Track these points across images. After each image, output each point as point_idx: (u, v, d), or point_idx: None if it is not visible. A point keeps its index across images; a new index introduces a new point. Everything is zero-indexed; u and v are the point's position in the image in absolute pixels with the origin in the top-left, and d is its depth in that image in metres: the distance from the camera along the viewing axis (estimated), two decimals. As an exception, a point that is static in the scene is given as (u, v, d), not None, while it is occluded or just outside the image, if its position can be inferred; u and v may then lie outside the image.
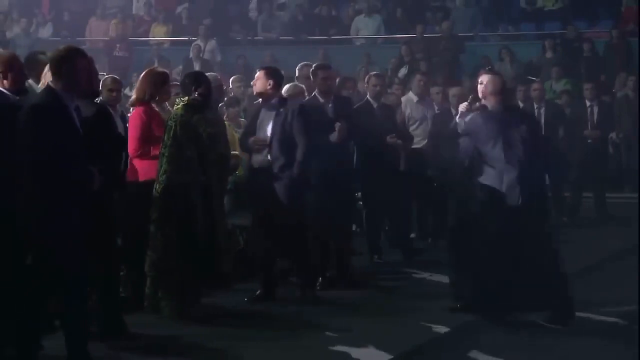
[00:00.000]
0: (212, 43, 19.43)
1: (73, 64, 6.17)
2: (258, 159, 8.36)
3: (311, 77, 9.21)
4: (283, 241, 8.40)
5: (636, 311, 7.95)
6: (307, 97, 9.22)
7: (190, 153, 7.52)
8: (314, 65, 9.41)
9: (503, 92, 7.95)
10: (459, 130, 8.33)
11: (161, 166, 7.53)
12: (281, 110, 8.32)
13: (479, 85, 8.16)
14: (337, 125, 8.83)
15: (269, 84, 8.37)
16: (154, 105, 7.93)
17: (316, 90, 9.13)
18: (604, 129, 13.45)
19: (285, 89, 9.44)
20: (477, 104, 8.27)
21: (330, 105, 9.08)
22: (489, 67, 9.74)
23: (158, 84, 7.92)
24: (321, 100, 9.07)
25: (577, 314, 7.76)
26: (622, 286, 8.77)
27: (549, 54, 17.72)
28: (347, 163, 9.29)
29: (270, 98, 8.40)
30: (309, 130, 8.33)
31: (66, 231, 6.00)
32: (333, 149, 8.91)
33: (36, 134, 5.99)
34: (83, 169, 6.14)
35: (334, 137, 8.85)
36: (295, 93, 9.27)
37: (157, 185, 7.52)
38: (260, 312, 7.96)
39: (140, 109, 7.87)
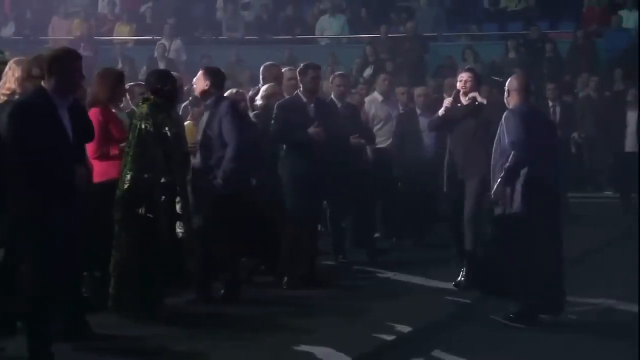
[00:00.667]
0: (177, 42, 19.37)
1: (65, 65, 6.17)
2: (193, 160, 8.36)
3: (298, 75, 9.20)
4: (247, 241, 8.41)
5: (601, 308, 8.10)
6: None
7: (155, 152, 7.49)
8: (302, 65, 9.39)
9: (529, 90, 8.09)
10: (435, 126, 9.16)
11: (125, 165, 7.49)
12: (212, 110, 8.31)
13: (458, 82, 8.89)
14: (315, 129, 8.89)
15: (206, 84, 8.34)
16: (110, 105, 7.87)
17: (301, 89, 9.12)
18: (566, 129, 13.55)
19: (263, 89, 9.47)
20: (467, 98, 8.81)
21: (312, 105, 9.08)
22: (469, 66, 9.92)
23: (114, 85, 7.88)
24: (304, 99, 9.07)
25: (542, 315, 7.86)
26: (589, 285, 8.86)
27: (511, 54, 17.86)
28: (318, 163, 9.29)
29: (209, 98, 8.38)
30: (238, 129, 8.35)
31: (50, 231, 5.97)
32: (307, 150, 8.92)
33: (19, 132, 6.00)
34: (69, 168, 6.13)
35: (312, 133, 8.88)
36: (274, 93, 9.29)
37: (122, 184, 7.47)
38: (225, 313, 7.94)
39: (96, 109, 7.80)
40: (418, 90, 11.80)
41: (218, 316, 7.83)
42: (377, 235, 11.23)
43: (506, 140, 7.62)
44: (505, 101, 7.98)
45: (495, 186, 7.64)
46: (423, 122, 11.32)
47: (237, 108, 8.59)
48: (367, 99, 11.87)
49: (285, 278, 8.87)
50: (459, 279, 8.95)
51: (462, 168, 8.84)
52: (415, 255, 10.63)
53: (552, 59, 17.47)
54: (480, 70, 17.27)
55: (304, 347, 6.92)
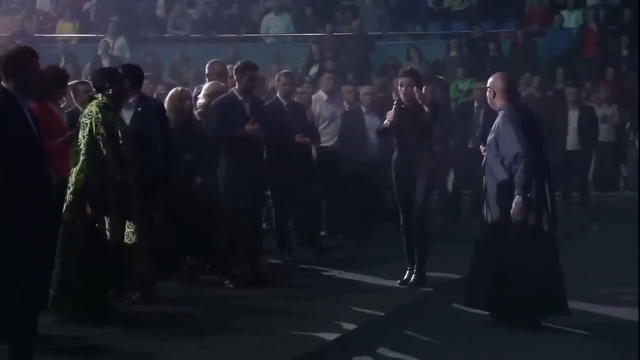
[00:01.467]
0: (120, 40, 19.21)
1: (22, 64, 6.09)
2: None
3: (235, 73, 9.18)
4: (191, 239, 8.40)
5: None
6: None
7: (107, 151, 7.43)
8: (240, 63, 9.38)
9: (515, 89, 8.02)
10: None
11: (76, 165, 7.41)
12: (139, 109, 8.26)
13: (399, 87, 8.90)
14: (251, 126, 8.89)
15: (127, 84, 8.26)
16: (50, 103, 7.78)
17: (237, 87, 9.11)
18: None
19: (204, 87, 9.44)
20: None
21: (247, 104, 9.08)
22: (408, 68, 9.88)
23: (55, 82, 7.78)
24: (240, 98, 9.06)
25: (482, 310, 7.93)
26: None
27: (453, 53, 18.00)
28: (258, 162, 9.30)
29: (129, 98, 8.29)
30: (167, 127, 8.39)
31: (25, 233, 5.90)
32: (245, 148, 8.92)
33: None
34: (42, 168, 6.05)
35: (248, 129, 8.88)
36: (217, 91, 9.27)
37: (75, 185, 7.38)
38: (169, 312, 7.90)
39: (35, 106, 7.68)
40: (364, 89, 11.87)
41: (162, 315, 7.78)
42: (322, 233, 11.26)
43: (507, 149, 7.41)
44: (490, 102, 7.80)
45: (515, 204, 7.34)
46: (369, 120, 11.40)
47: (163, 107, 8.58)
48: (312, 98, 11.90)
49: (228, 277, 8.87)
50: (405, 277, 9.00)
51: (411, 165, 8.87)
52: (361, 254, 10.69)
53: (495, 58, 17.64)
54: (425, 69, 17.44)
55: (249, 347, 6.90)
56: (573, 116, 14.25)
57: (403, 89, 8.91)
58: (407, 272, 9.00)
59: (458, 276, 9.45)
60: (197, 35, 20.01)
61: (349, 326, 7.48)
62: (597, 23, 17.75)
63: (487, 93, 7.85)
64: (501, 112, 7.64)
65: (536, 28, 18.71)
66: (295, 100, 10.64)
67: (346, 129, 11.44)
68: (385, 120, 8.87)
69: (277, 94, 10.37)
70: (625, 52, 17.38)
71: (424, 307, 8.39)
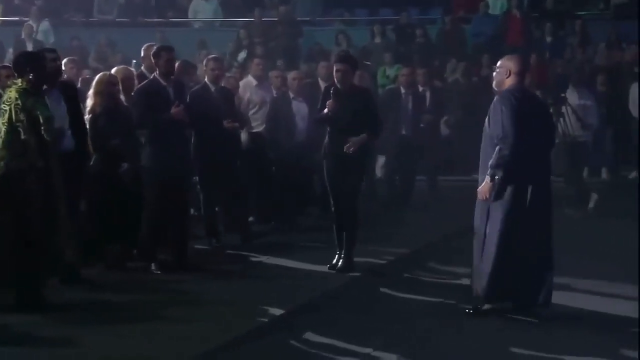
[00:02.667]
0: (44, 24, 18.87)
1: None
2: None
3: (152, 58, 9.12)
4: (118, 225, 8.34)
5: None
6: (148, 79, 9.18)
7: (27, 137, 7.31)
8: (156, 47, 9.33)
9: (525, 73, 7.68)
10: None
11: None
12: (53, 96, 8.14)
13: (335, 73, 8.83)
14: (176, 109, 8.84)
15: (49, 68, 8.08)
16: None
17: (157, 72, 9.04)
18: (437, 113, 13.81)
19: (114, 71, 9.35)
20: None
21: (170, 88, 9.02)
22: (342, 52, 9.78)
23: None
24: (163, 83, 9.00)
25: (411, 295, 8.03)
26: (456, 264, 9.08)
27: (377, 39, 18.09)
28: (184, 147, 9.26)
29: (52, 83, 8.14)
30: (79, 112, 8.35)
31: None
32: (171, 134, 8.87)
33: None
34: None
35: (173, 112, 8.84)
36: (126, 76, 9.18)
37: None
38: (95, 299, 7.83)
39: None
40: (291, 74, 11.86)
41: (86, 302, 7.70)
42: (251, 219, 11.25)
43: (494, 129, 7.29)
44: (499, 83, 7.50)
45: (484, 184, 7.29)
46: (296, 106, 11.41)
47: (76, 92, 8.50)
48: (241, 83, 11.86)
49: (153, 263, 8.84)
50: (334, 261, 9.04)
51: (343, 151, 8.77)
52: (289, 239, 10.70)
53: (422, 45, 17.77)
54: (353, 54, 17.49)
55: (177, 334, 6.88)
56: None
57: (340, 74, 8.83)
58: (336, 256, 9.03)
59: (384, 261, 9.57)
60: (123, 20, 19.77)
61: (276, 311, 7.51)
62: (521, 10, 17.98)
63: (497, 72, 7.53)
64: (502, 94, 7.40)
65: (462, 14, 18.89)
66: (223, 85, 10.59)
67: (274, 115, 11.43)
68: (326, 110, 8.76)
69: (205, 79, 10.32)
70: (549, 39, 17.64)
71: (351, 292, 8.45)
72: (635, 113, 15.55)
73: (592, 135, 13.83)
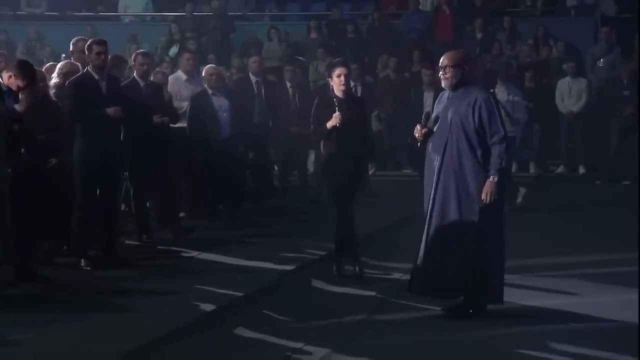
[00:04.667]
0: (-30, 17, 18.58)
1: None
2: None
3: (86, 51, 9.04)
4: (47, 221, 8.26)
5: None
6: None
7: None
8: (89, 40, 9.24)
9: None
10: None
11: None
12: None
13: (335, 78, 8.43)
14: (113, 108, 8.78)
15: None
16: None
17: (90, 66, 8.96)
18: (368, 108, 13.86)
19: (58, 66, 9.26)
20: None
21: (103, 82, 8.95)
22: (340, 59, 9.35)
23: None
24: (96, 76, 8.92)
25: (343, 289, 8.07)
26: (387, 258, 9.15)
27: (313, 35, 18.13)
28: (114, 142, 9.18)
29: None
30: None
31: None
32: (101, 128, 8.80)
33: None
34: None
35: (109, 111, 8.78)
36: (72, 71, 9.09)
37: None
38: (21, 294, 7.74)
39: None
40: (207, 70, 11.72)
41: (11, 298, 7.60)
42: (182, 214, 11.21)
43: (490, 128, 7.14)
44: (453, 84, 7.30)
45: (491, 185, 7.06)
46: (216, 101, 11.37)
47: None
48: (170, 78, 11.79)
49: (83, 259, 8.77)
50: (336, 267, 8.75)
51: (350, 158, 8.47)
52: (221, 234, 10.69)
53: (353, 40, 17.85)
54: (285, 50, 17.54)
55: (106, 329, 6.85)
56: (428, 97, 14.55)
57: (341, 80, 8.45)
58: (336, 265, 8.75)
59: (317, 256, 9.61)
60: (52, 14, 19.52)
61: (207, 307, 7.49)
62: (451, 6, 18.17)
63: (452, 70, 7.28)
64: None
65: (393, 10, 19.01)
66: (152, 80, 10.53)
67: (196, 112, 11.38)
68: (335, 122, 8.37)
69: (134, 74, 10.25)
70: (479, 35, 17.86)
71: (284, 287, 8.47)
72: (562, 108, 15.85)
73: (520, 131, 14.05)
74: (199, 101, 11.36)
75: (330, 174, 8.65)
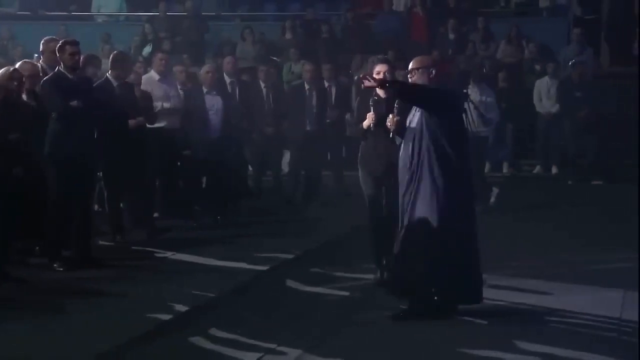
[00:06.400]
0: (-57, 16, 18.44)
1: None
2: None
3: (57, 52, 9.00)
4: (20, 222, 8.23)
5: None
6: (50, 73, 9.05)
7: None
8: (61, 40, 9.21)
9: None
10: None
11: None
12: None
13: (375, 74, 8.00)
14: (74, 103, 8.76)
15: None
16: None
17: (62, 65, 8.92)
18: (342, 108, 13.89)
19: (18, 65, 9.19)
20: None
21: (76, 82, 8.92)
22: (382, 56, 9.08)
23: None
24: (69, 76, 8.89)
25: (317, 289, 8.08)
26: (362, 259, 9.17)
27: (288, 35, 18.12)
28: (89, 142, 9.15)
29: None
30: None
31: None
32: (75, 128, 8.78)
33: None
34: None
35: (72, 104, 8.76)
36: (33, 73, 9.03)
37: None
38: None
39: None
40: (205, 68, 11.83)
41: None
42: (156, 215, 11.18)
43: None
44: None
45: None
46: (210, 100, 11.40)
47: None
48: (143, 78, 11.75)
49: (58, 260, 8.73)
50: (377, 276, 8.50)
51: (385, 157, 8.10)
52: (196, 235, 10.68)
53: (327, 40, 17.85)
54: (259, 50, 17.51)
55: (79, 329, 6.83)
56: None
57: (380, 77, 7.97)
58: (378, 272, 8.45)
59: (291, 256, 9.62)
60: (24, 13, 19.41)
61: (181, 307, 7.48)
62: (424, 7, 18.22)
63: (419, 73, 7.36)
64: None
65: (368, 10, 19.04)
66: (126, 80, 10.50)
67: (188, 110, 11.39)
68: (366, 122, 8.10)
69: (108, 74, 10.22)
70: (452, 36, 17.91)
71: (258, 287, 8.47)
72: (539, 108, 15.91)
73: (493, 131, 14.13)
74: (191, 99, 11.41)
75: (364, 174, 8.46)
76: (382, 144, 8.06)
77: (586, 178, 14.89)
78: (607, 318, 7.31)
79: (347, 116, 13.74)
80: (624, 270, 8.67)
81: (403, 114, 7.47)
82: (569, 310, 7.54)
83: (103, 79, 10.21)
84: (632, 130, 14.40)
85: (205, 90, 11.48)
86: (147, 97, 10.90)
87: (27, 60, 9.51)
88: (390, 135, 7.56)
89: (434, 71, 7.43)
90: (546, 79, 15.96)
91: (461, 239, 7.24)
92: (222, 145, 11.53)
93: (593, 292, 8.15)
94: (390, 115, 7.50)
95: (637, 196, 11.53)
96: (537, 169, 16.02)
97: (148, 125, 10.74)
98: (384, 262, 8.24)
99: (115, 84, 10.12)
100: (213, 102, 11.40)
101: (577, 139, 15.22)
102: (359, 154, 8.52)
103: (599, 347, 6.61)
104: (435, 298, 7.32)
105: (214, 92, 11.47)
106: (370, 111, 8.05)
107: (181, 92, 11.68)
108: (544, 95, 15.88)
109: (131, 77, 10.94)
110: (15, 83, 8.69)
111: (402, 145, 7.43)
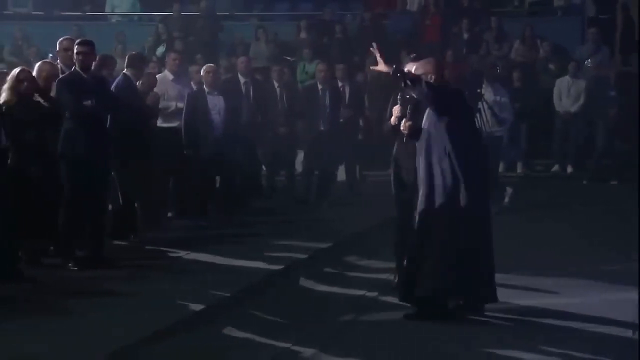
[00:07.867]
0: (-42, 17, 18.52)
1: None
2: None
3: (72, 52, 9.04)
4: (34, 221, 8.24)
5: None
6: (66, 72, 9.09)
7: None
8: (76, 41, 9.25)
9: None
10: None
11: None
12: None
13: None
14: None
15: None
16: None
17: (77, 66, 8.96)
18: (355, 108, 13.88)
19: (38, 66, 9.24)
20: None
21: (92, 82, 8.95)
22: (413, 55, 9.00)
23: None
24: (84, 76, 8.93)
25: (331, 289, 8.07)
26: (376, 258, 9.16)
27: (303, 35, 18.12)
28: (104, 141, 9.17)
29: None
30: None
31: None
32: (89, 128, 8.81)
33: None
34: None
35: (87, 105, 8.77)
36: (53, 73, 9.07)
37: None
38: (12, 296, 7.70)
39: None
40: (205, 68, 11.77)
41: (4, 300, 7.59)
42: (170, 214, 11.19)
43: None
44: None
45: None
46: (211, 100, 11.39)
47: None
48: (158, 77, 11.77)
49: (72, 260, 8.75)
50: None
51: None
52: (210, 234, 10.68)
53: (341, 40, 17.85)
54: (272, 50, 17.53)
55: (93, 329, 6.82)
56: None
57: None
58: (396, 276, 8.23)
59: (305, 255, 9.61)
60: (39, 13, 19.49)
61: (195, 307, 7.48)
62: (438, 6, 18.20)
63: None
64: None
65: (381, 10, 19.03)
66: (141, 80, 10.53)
67: (190, 110, 11.38)
68: (394, 118, 7.81)
69: (125, 72, 10.25)
70: (465, 35, 17.88)
71: (272, 287, 8.47)
72: (558, 107, 15.86)
73: (507, 131, 14.10)
74: (194, 100, 11.40)
75: (394, 173, 8.26)
76: (413, 143, 7.86)
77: (602, 178, 14.83)
78: (621, 319, 7.27)
79: (360, 121, 13.77)
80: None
81: (416, 117, 7.45)
82: (583, 310, 7.52)
83: (120, 76, 10.23)
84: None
85: (206, 90, 11.44)
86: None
87: (46, 60, 9.54)
88: (404, 140, 7.54)
89: (432, 77, 7.41)
90: (567, 78, 15.91)
91: (476, 239, 7.24)
92: (226, 145, 11.52)
93: (608, 292, 8.12)
94: (404, 120, 7.48)
95: (637, 196, 11.47)
96: (555, 167, 15.98)
97: (159, 125, 10.77)
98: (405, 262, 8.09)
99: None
100: (215, 102, 11.39)
101: (608, 139, 15.17)
102: (393, 153, 8.30)
103: (614, 347, 6.59)
104: (450, 298, 7.32)
105: (216, 93, 11.45)
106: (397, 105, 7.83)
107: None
108: (564, 94, 15.84)
109: (147, 77, 10.95)
110: (25, 83, 8.72)
111: (417, 146, 7.41)
